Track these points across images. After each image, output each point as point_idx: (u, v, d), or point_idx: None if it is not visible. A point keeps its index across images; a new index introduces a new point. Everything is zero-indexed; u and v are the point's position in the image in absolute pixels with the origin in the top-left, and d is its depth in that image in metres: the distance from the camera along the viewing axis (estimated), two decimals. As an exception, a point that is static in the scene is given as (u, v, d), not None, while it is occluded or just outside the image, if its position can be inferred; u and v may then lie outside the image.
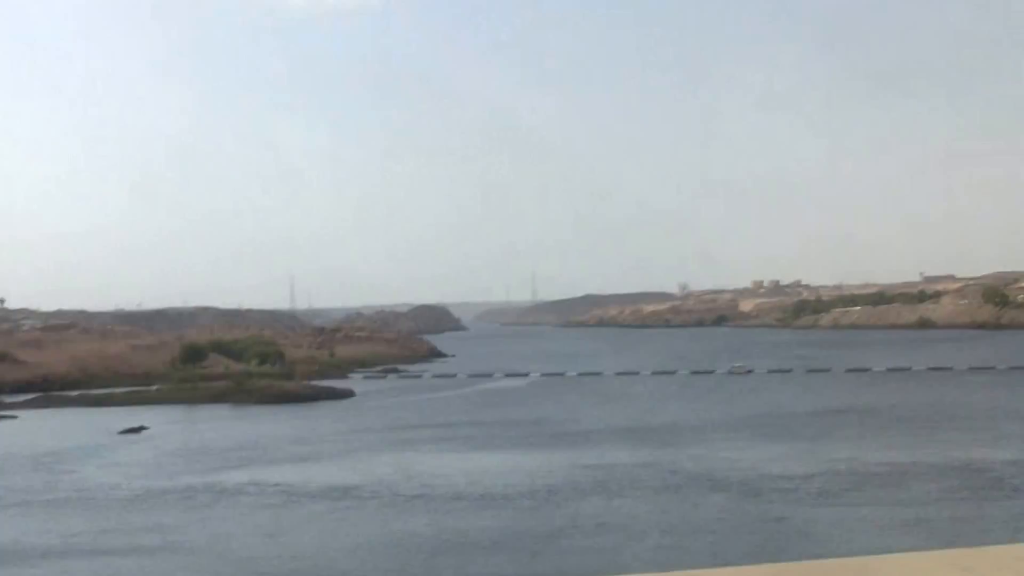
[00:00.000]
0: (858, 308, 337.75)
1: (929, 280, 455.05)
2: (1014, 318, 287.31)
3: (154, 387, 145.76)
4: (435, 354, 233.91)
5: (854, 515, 58.77)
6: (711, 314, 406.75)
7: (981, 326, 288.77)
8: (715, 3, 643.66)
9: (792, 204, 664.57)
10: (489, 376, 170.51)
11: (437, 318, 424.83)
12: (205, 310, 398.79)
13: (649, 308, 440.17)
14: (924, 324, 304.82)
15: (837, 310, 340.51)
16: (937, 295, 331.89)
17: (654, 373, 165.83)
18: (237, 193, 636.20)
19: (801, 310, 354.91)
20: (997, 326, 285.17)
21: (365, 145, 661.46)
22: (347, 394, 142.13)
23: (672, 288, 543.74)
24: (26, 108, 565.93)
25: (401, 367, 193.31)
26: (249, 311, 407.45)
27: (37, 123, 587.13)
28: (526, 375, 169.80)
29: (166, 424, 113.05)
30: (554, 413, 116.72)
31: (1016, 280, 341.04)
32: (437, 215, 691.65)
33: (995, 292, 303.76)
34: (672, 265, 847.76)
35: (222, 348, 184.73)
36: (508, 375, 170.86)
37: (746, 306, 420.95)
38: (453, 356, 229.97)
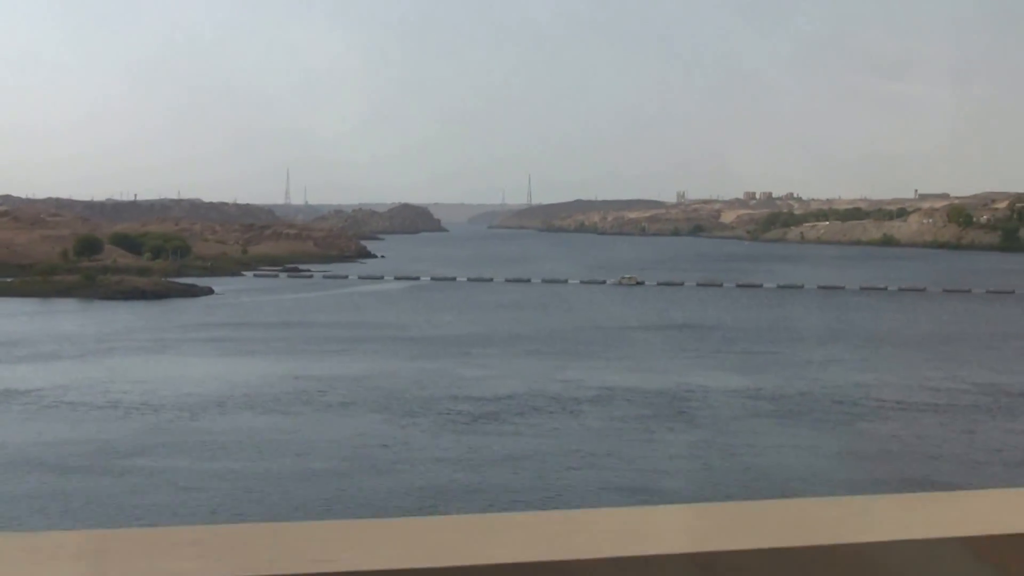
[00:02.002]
0: (827, 223, 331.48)
1: (923, 197, 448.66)
2: (975, 239, 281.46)
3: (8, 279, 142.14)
4: (364, 254, 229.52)
5: (461, 444, 54.50)
6: (690, 224, 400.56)
7: (942, 246, 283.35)
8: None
9: (801, 118, 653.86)
10: (380, 279, 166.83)
11: (415, 218, 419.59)
12: (179, 202, 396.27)
13: (632, 215, 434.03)
14: (887, 241, 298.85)
15: (806, 224, 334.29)
16: (907, 213, 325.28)
17: (544, 281, 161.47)
18: (241, 83, 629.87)
19: (771, 223, 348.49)
20: (958, 246, 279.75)
21: (371, 38, 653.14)
22: (206, 292, 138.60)
23: (671, 197, 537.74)
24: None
25: (305, 267, 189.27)
26: (225, 204, 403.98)
27: (39, 16, 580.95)
28: (416, 279, 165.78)
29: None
30: (381, 319, 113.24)
31: (995, 201, 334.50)
32: (440, 115, 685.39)
33: (959, 212, 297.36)
34: (676, 173, 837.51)
35: (123, 241, 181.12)
36: (398, 278, 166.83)
37: (728, 217, 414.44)
38: (382, 257, 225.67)
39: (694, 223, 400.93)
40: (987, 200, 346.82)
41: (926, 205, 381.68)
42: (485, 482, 46.00)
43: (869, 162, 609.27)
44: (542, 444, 53.86)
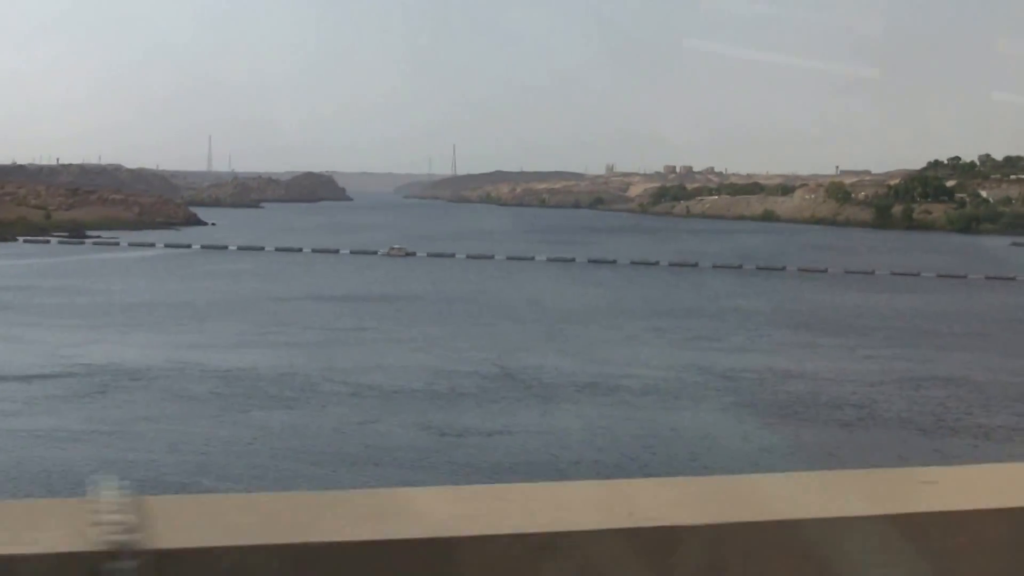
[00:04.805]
0: (714, 198, 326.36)
1: (844, 173, 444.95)
2: (851, 215, 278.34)
3: None
4: (193, 222, 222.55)
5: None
6: (593, 197, 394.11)
7: (819, 221, 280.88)
8: None
9: (732, 90, 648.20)
10: (151, 246, 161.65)
11: (317, 187, 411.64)
12: (67, 167, 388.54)
13: (540, 187, 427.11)
14: (767, 217, 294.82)
15: (695, 199, 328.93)
16: (793, 190, 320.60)
17: (314, 251, 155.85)
18: (165, 45, 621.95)
19: (661, 197, 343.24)
20: (833, 222, 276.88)
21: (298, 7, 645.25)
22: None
23: (601, 169, 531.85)
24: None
25: (98, 233, 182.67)
26: (118, 168, 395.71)
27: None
28: (188, 247, 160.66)
29: None
30: (66, 285, 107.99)
31: (894, 178, 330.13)
32: (371, 83, 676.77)
33: (838, 189, 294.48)
34: (608, 146, 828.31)
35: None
36: (168, 245, 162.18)
37: (636, 191, 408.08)
38: (212, 225, 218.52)
39: (597, 196, 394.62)
40: (897, 177, 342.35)
41: (845, 180, 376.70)
42: None
43: (800, 138, 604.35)
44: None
